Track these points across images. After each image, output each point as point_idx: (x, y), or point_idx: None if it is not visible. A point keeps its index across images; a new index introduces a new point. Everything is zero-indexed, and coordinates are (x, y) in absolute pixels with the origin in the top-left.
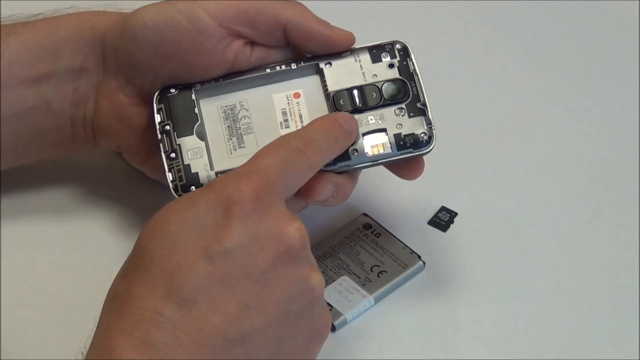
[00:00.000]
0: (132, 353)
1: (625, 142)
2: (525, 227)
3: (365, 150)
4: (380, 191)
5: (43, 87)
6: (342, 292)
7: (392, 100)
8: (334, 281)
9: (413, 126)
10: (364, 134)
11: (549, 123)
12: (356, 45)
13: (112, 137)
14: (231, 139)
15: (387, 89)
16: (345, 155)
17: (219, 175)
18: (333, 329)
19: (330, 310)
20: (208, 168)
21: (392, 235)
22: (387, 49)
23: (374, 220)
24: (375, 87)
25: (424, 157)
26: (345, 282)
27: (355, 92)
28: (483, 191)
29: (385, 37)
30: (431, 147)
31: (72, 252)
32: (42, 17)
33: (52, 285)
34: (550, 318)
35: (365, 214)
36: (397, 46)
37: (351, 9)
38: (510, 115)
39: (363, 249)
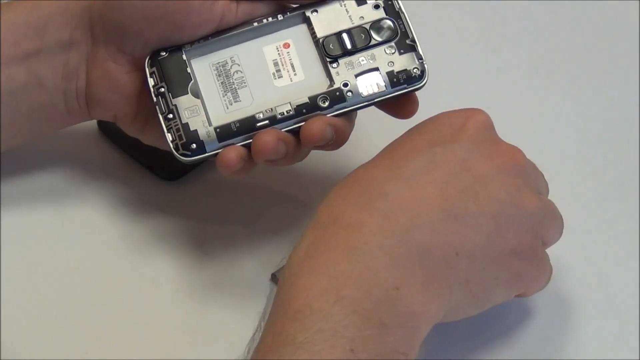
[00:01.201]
0: (358, 215)
1: (626, 140)
2: None
3: (360, 91)
4: None
5: (33, 63)
6: None
7: (381, 40)
8: None
9: (405, 62)
10: (357, 75)
11: (548, 122)
12: None
13: (107, 107)
14: (226, 94)
15: (375, 29)
16: (340, 97)
17: (217, 130)
18: None
19: None
20: (206, 124)
21: None
22: None
23: None
24: (363, 28)
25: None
26: None
27: (344, 35)
28: None
29: None
30: (424, 81)
31: (67, 239)
32: None
33: (47, 274)
34: (551, 317)
35: None
36: None
37: None
38: (510, 115)
39: None
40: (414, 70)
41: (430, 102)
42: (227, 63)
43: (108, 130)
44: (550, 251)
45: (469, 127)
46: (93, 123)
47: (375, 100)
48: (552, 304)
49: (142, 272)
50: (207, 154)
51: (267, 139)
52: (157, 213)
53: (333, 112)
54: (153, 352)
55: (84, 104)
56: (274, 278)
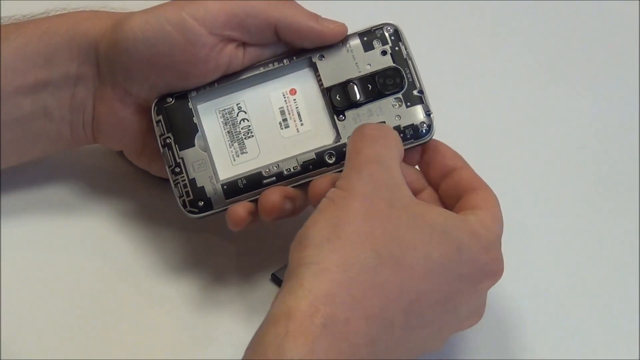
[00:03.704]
0: None
1: (625, 140)
2: (526, 227)
3: None
4: None
5: (40, 94)
6: None
7: (388, 91)
8: None
9: (411, 116)
10: None
11: (547, 123)
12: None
13: (113, 141)
14: (232, 145)
15: (382, 80)
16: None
17: (225, 187)
18: None
19: None
20: (214, 180)
21: None
22: (379, 35)
23: None
24: (370, 78)
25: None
26: None
27: (351, 86)
28: None
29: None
30: (431, 135)
31: (73, 250)
32: (32, 18)
33: (53, 284)
34: (552, 318)
35: None
36: (389, 30)
37: None
38: (508, 116)
39: None
40: (421, 125)
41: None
42: (233, 110)
43: None
44: (549, 251)
45: (486, 287)
46: None
47: None
48: (552, 304)
49: (142, 272)
50: (214, 211)
51: (274, 198)
52: (156, 213)
53: (339, 167)
54: (156, 354)
55: (90, 134)
56: (274, 278)
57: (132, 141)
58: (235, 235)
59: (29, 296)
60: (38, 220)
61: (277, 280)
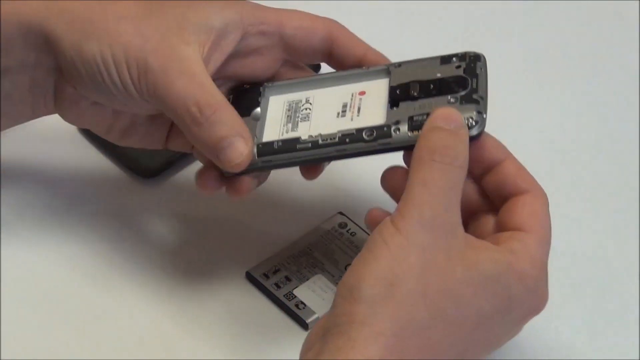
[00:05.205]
0: None
1: (625, 140)
2: None
3: (407, 130)
4: (357, 190)
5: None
6: (316, 290)
7: (448, 92)
8: (308, 280)
9: (462, 111)
10: (410, 117)
11: (546, 123)
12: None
13: (78, 122)
14: (287, 125)
15: (446, 82)
16: (387, 133)
17: (260, 146)
18: (306, 327)
19: (303, 308)
20: (254, 140)
21: (368, 234)
22: (460, 55)
23: (349, 219)
24: (435, 80)
25: None
26: (319, 280)
27: (414, 83)
28: None
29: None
30: (478, 131)
31: (71, 249)
32: None
33: (52, 284)
34: (551, 318)
35: (341, 213)
36: (471, 55)
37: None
38: (507, 115)
39: (338, 248)
40: (469, 119)
41: None
42: (301, 101)
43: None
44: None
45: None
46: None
47: None
48: (551, 304)
49: (120, 270)
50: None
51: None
52: (134, 210)
53: (376, 146)
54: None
55: (53, 110)
56: (249, 276)
57: (95, 124)
58: (209, 231)
59: (28, 297)
60: (37, 220)
61: (252, 278)
